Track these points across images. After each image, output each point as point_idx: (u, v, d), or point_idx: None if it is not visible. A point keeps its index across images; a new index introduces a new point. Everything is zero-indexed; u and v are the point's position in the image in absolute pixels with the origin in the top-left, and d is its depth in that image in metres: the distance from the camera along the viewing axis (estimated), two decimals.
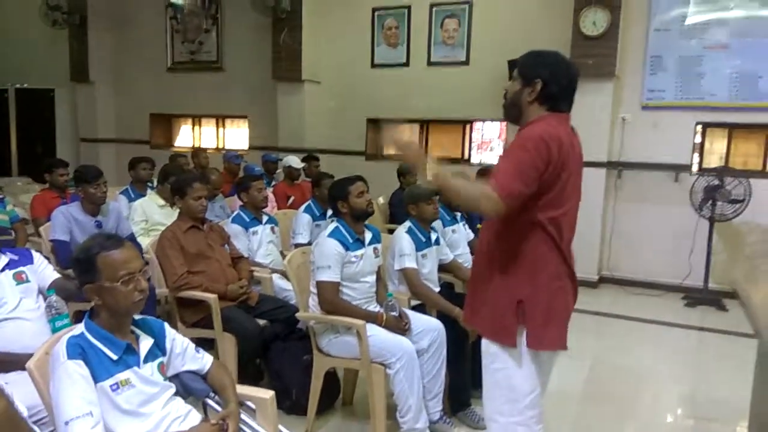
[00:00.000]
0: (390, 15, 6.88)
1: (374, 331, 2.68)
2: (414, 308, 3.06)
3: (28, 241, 4.25)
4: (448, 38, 6.61)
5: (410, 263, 3.09)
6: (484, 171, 3.59)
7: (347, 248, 2.76)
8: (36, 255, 2.52)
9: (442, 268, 3.50)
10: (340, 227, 2.82)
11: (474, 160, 6.82)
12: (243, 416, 1.89)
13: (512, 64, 1.92)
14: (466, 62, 6.51)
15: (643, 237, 5.76)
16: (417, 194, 3.28)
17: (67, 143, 8.67)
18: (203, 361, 1.95)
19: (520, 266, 1.81)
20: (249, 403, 1.97)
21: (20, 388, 1.66)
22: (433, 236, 3.34)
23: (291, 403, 3.03)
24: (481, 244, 1.96)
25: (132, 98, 8.54)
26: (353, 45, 7.08)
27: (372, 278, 2.92)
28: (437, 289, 3.25)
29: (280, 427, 2.07)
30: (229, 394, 1.88)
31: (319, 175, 4.58)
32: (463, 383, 3.01)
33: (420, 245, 3.18)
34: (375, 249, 2.95)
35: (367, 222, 3.01)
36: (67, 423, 1.52)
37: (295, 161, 5.67)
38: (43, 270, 2.48)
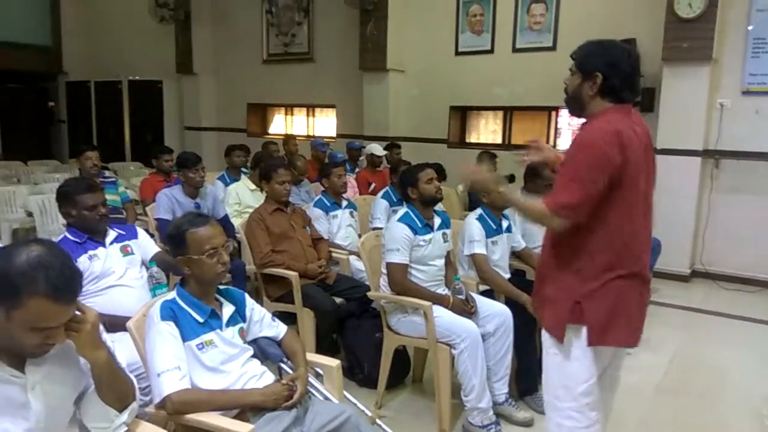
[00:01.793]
0: (475, 2, 6.85)
1: (440, 313, 2.79)
2: (483, 293, 3.13)
3: (137, 219, 4.73)
4: (534, 24, 6.49)
5: (479, 249, 3.15)
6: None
7: (416, 232, 2.88)
8: (140, 230, 2.86)
9: (515, 255, 3.54)
10: (410, 212, 2.94)
11: (560, 147, 6.68)
12: (311, 380, 2.09)
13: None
14: (553, 48, 6.37)
15: (742, 230, 5.40)
16: None
17: (173, 131, 9.40)
18: (278, 329, 2.16)
19: (582, 265, 1.82)
20: (318, 369, 2.17)
21: (124, 346, 1.94)
22: (505, 224, 3.38)
23: (363, 377, 3.22)
24: (546, 238, 1.99)
25: (231, 89, 9.09)
26: (437, 33, 7.12)
27: (440, 262, 3.03)
28: (507, 276, 3.30)
29: (346, 393, 2.26)
30: (300, 359, 2.08)
31: (397, 162, 4.72)
32: (530, 368, 3.05)
33: (490, 232, 3.24)
34: (444, 234, 3.05)
35: (444, 208, 3.11)
36: (158, 375, 1.78)
37: (377, 149, 5.84)
38: (146, 244, 2.81)
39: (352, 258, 3.86)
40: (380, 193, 4.44)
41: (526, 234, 3.67)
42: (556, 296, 1.87)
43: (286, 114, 9.09)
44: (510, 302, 3.03)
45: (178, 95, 9.38)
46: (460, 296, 2.87)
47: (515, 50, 6.66)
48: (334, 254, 3.80)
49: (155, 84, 9.34)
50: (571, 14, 6.25)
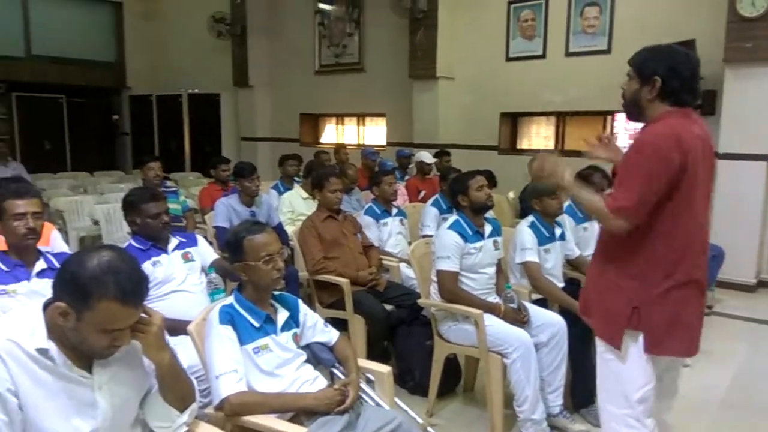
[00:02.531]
0: (526, 7, 6.78)
1: (492, 321, 2.77)
2: (535, 302, 3.09)
3: (197, 227, 4.90)
4: (588, 27, 6.37)
5: (531, 257, 3.11)
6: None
7: (466, 240, 2.88)
8: (199, 238, 2.97)
9: (569, 263, 3.47)
10: (460, 220, 2.94)
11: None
12: (363, 386, 2.11)
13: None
14: (608, 51, 6.23)
15: None
16: (541, 189, 3.28)
17: (230, 142, 9.70)
18: (330, 334, 2.20)
19: (640, 271, 1.79)
20: (369, 375, 2.19)
21: (184, 350, 2.02)
22: (558, 231, 3.32)
23: (414, 384, 3.22)
24: (600, 242, 1.96)
25: (285, 100, 9.31)
26: (488, 40, 7.09)
27: (491, 270, 3.01)
28: (561, 285, 3.24)
29: (397, 399, 2.27)
30: (351, 365, 2.11)
31: (446, 169, 4.72)
32: (586, 380, 2.96)
33: (543, 240, 3.19)
34: (495, 242, 3.03)
35: (495, 216, 3.09)
36: (217, 377, 1.84)
37: (426, 156, 5.85)
38: (205, 251, 2.92)
39: (402, 265, 3.88)
40: (430, 201, 4.45)
41: (581, 242, 3.60)
42: (613, 301, 1.84)
43: (337, 123, 9.24)
44: (564, 312, 2.97)
45: (235, 107, 9.68)
46: (511, 305, 2.84)
47: (568, 54, 6.56)
48: (384, 262, 3.83)
49: (213, 97, 9.68)
50: (627, 16, 6.11)
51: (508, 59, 6.99)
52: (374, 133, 8.77)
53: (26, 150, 9.31)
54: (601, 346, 1.91)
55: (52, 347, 1.38)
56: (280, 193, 5.19)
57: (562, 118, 6.95)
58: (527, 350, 2.67)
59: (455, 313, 2.88)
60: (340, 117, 9.15)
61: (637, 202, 1.70)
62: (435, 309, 2.96)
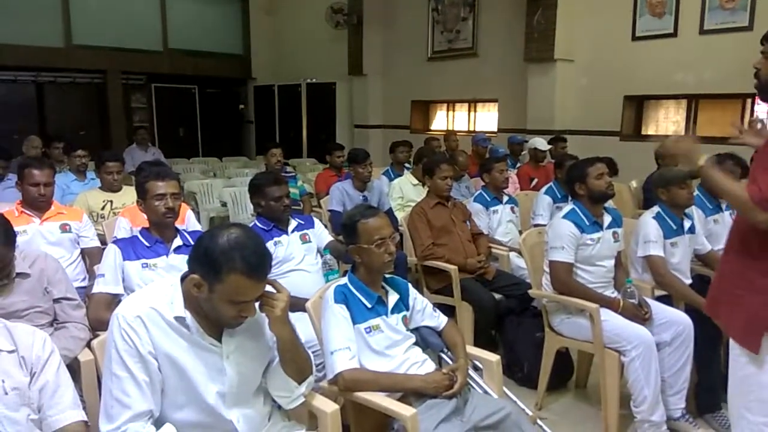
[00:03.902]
0: None
1: (609, 316, 2.64)
2: (658, 299, 2.90)
3: (312, 211, 5.14)
4: (726, 1, 5.77)
5: (656, 251, 2.91)
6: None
7: (583, 230, 2.75)
8: (316, 221, 3.12)
9: (698, 258, 3.22)
10: (577, 209, 2.81)
11: None
12: (471, 373, 2.12)
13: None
14: (749, 27, 5.60)
15: None
16: (669, 177, 3.05)
17: (344, 129, 9.99)
18: (439, 319, 2.22)
19: None
20: (477, 363, 2.19)
21: (301, 325, 2.14)
22: (687, 224, 3.08)
23: (523, 376, 3.16)
24: (737, 236, 1.79)
25: (396, 87, 9.41)
26: (611, 18, 6.66)
27: (610, 263, 2.86)
28: (688, 281, 3.01)
29: (505, 389, 2.25)
30: (459, 350, 2.12)
31: (562, 156, 4.54)
32: (713, 384, 2.76)
33: (669, 232, 2.98)
34: (614, 233, 2.87)
35: (615, 206, 2.94)
36: (332, 353, 1.93)
37: (540, 143, 5.66)
38: (321, 233, 3.06)
39: (513, 255, 3.80)
40: (543, 189, 4.30)
41: (711, 235, 3.32)
42: (751, 302, 1.68)
43: (448, 110, 9.18)
44: (691, 310, 2.76)
45: (349, 95, 9.94)
46: (632, 300, 2.68)
47: (703, 32, 5.99)
48: (493, 250, 3.78)
49: (329, 86, 10.00)
50: None
51: (635, 38, 6.53)
52: (485, 119, 8.61)
53: (163, 136, 10.22)
54: (735, 349, 1.75)
55: (188, 316, 1.53)
56: (391, 179, 5.28)
57: (693, 101, 6.39)
58: (648, 349, 2.52)
59: (568, 306, 2.79)
60: (451, 103, 9.09)
61: None
62: (547, 300, 2.88)
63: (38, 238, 2.94)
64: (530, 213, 4.29)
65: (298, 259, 2.85)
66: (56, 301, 2.20)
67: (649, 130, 6.88)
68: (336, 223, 4.15)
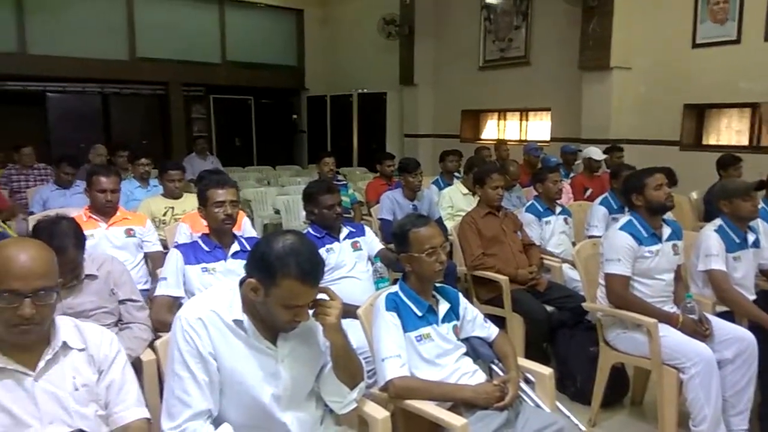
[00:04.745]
0: None
1: (667, 332, 2.55)
2: (720, 315, 2.78)
3: (362, 219, 5.19)
4: None
5: (717, 265, 2.80)
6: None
7: (640, 243, 2.68)
8: (367, 229, 3.16)
9: (762, 274, 3.08)
10: (634, 221, 2.74)
11: None
12: (523, 385, 2.09)
13: None
14: None
15: None
16: (732, 189, 2.95)
17: (394, 138, 10.06)
18: (490, 330, 2.20)
19: None
20: (529, 376, 2.16)
21: (352, 331, 2.16)
22: (751, 237, 2.95)
23: (576, 390, 3.09)
24: None
25: (447, 97, 9.40)
26: (671, 25, 6.46)
27: (669, 276, 2.77)
28: (752, 297, 2.88)
29: (558, 403, 2.20)
30: (511, 362, 2.10)
31: (618, 166, 4.42)
32: None
33: (732, 246, 2.86)
34: (674, 246, 2.78)
35: (672, 218, 2.85)
36: (383, 360, 1.95)
37: (595, 153, 5.53)
38: (372, 241, 3.09)
39: (566, 266, 3.73)
40: (598, 200, 4.20)
41: None
42: None
43: (499, 119, 9.10)
44: (755, 327, 2.64)
45: (400, 105, 10.01)
46: (692, 316, 2.59)
47: None
48: (545, 261, 3.71)
49: (380, 96, 10.10)
50: None
51: (695, 46, 6.31)
52: (537, 128, 8.49)
53: (220, 146, 10.57)
54: None
55: (245, 319, 1.58)
56: (440, 189, 5.27)
57: (758, 109, 6.11)
58: (708, 366, 2.43)
59: (625, 321, 2.71)
60: (502, 112, 9.00)
61: None
62: (602, 314, 2.81)
63: (104, 242, 3.09)
64: (584, 224, 4.19)
65: (350, 266, 2.90)
66: (121, 302, 2.32)
67: (711, 139, 6.61)
68: (386, 231, 4.18)
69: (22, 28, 8.63)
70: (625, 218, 2.80)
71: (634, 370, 3.07)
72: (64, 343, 1.49)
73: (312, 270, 1.52)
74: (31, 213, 4.36)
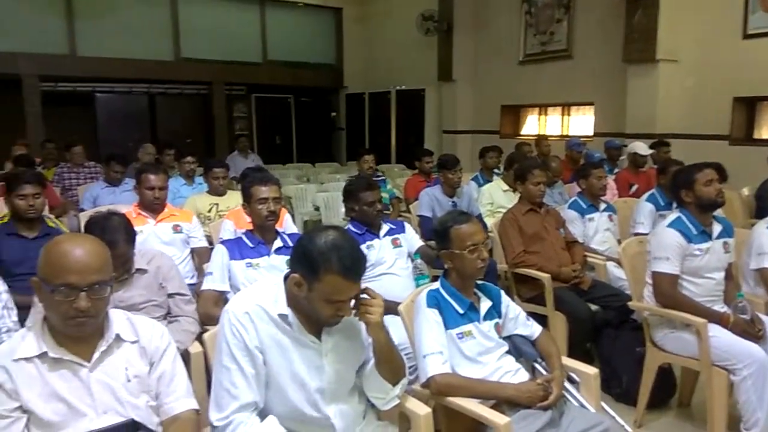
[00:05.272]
0: None
1: (717, 332, 2.48)
2: None
3: (400, 215, 5.20)
4: None
5: None
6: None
7: (689, 240, 2.60)
8: (407, 225, 3.17)
9: None
10: (683, 218, 2.66)
11: None
12: (567, 385, 2.06)
13: None
14: None
15: None
16: None
17: (432, 135, 10.01)
18: (532, 328, 2.18)
19: None
20: (573, 375, 2.12)
21: (393, 328, 2.17)
22: None
23: (621, 391, 3.03)
24: None
25: (486, 92, 9.31)
26: (719, 16, 6.22)
27: (719, 275, 2.68)
28: None
29: (604, 404, 2.17)
30: (555, 361, 2.07)
31: (665, 162, 4.29)
32: None
33: None
34: (725, 244, 2.69)
35: (723, 215, 2.76)
36: (424, 356, 1.95)
37: (641, 148, 5.37)
38: (412, 238, 3.10)
39: (610, 264, 3.65)
40: (645, 196, 4.09)
41: None
42: None
43: (539, 114, 8.96)
44: None
45: (438, 101, 9.96)
46: (743, 315, 2.50)
47: None
48: (589, 259, 3.64)
49: (419, 92, 10.06)
50: None
51: (746, 36, 6.05)
52: (580, 123, 8.31)
53: (261, 144, 10.74)
54: None
55: (290, 313, 1.61)
56: (480, 185, 5.23)
57: None
58: (761, 368, 2.35)
59: (673, 320, 2.64)
60: (543, 107, 8.85)
61: None
62: (649, 313, 2.74)
63: (153, 238, 3.19)
64: (629, 221, 4.09)
65: (390, 262, 2.90)
66: (170, 296, 2.39)
67: (763, 133, 6.35)
68: (425, 228, 4.17)
69: (73, 32, 8.94)
70: (673, 215, 2.73)
71: (682, 371, 2.99)
72: (117, 336, 1.55)
73: (353, 265, 1.53)
74: (82, 210, 4.53)
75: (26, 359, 1.44)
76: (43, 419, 1.43)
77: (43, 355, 1.45)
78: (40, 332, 1.48)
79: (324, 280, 1.50)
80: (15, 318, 2.10)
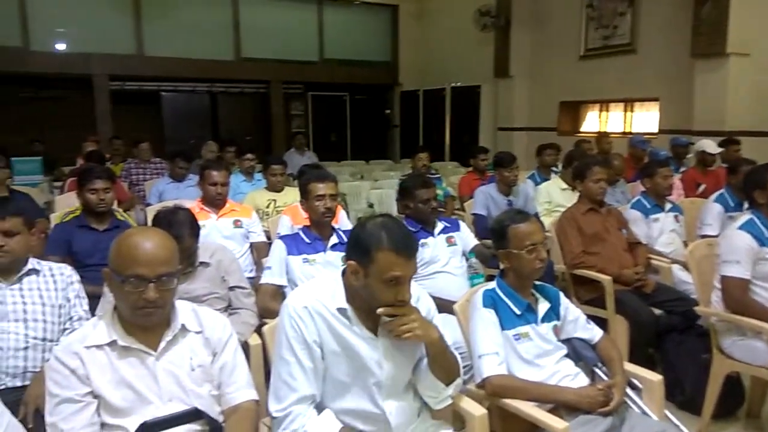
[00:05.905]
0: None
1: None
2: None
3: (454, 213, 5.16)
4: None
5: None
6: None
7: (762, 243, 2.46)
8: (462, 224, 3.14)
9: None
10: (755, 220, 2.52)
11: None
12: (628, 391, 1.99)
13: None
14: None
15: None
16: None
17: (487, 132, 9.89)
18: (593, 332, 2.12)
19: None
20: (635, 382, 2.05)
21: (447, 327, 2.16)
22: None
23: (684, 399, 2.90)
24: None
25: (544, 88, 9.10)
26: None
27: None
28: None
29: (667, 412, 2.08)
30: (616, 366, 2.00)
31: (736, 161, 4.07)
32: None
33: None
34: None
35: None
36: (480, 357, 1.93)
37: (710, 145, 5.12)
38: (467, 236, 3.07)
39: (675, 267, 3.50)
40: (713, 196, 3.90)
41: None
42: None
43: (600, 110, 8.68)
44: None
45: (494, 98, 9.82)
46: None
47: None
48: (653, 261, 3.50)
49: (474, 89, 9.95)
50: None
51: None
52: (644, 119, 8.00)
53: (317, 141, 10.90)
54: None
55: (348, 308, 1.62)
56: (537, 183, 5.12)
57: None
58: None
59: (742, 327, 2.51)
60: (604, 103, 8.57)
61: None
62: (716, 319, 2.61)
63: (214, 232, 3.29)
64: (696, 222, 3.91)
65: (444, 261, 2.89)
66: (231, 288, 2.46)
67: None
68: (480, 226, 4.13)
69: (140, 32, 9.33)
70: (744, 217, 2.59)
71: (751, 380, 2.84)
72: (183, 326, 1.61)
73: (403, 240, 1.55)
74: (148, 204, 4.73)
75: (97, 346, 1.52)
76: (113, 405, 1.50)
77: (113, 343, 1.52)
78: (110, 321, 1.55)
79: (377, 259, 1.52)
80: (86, 307, 2.21)
